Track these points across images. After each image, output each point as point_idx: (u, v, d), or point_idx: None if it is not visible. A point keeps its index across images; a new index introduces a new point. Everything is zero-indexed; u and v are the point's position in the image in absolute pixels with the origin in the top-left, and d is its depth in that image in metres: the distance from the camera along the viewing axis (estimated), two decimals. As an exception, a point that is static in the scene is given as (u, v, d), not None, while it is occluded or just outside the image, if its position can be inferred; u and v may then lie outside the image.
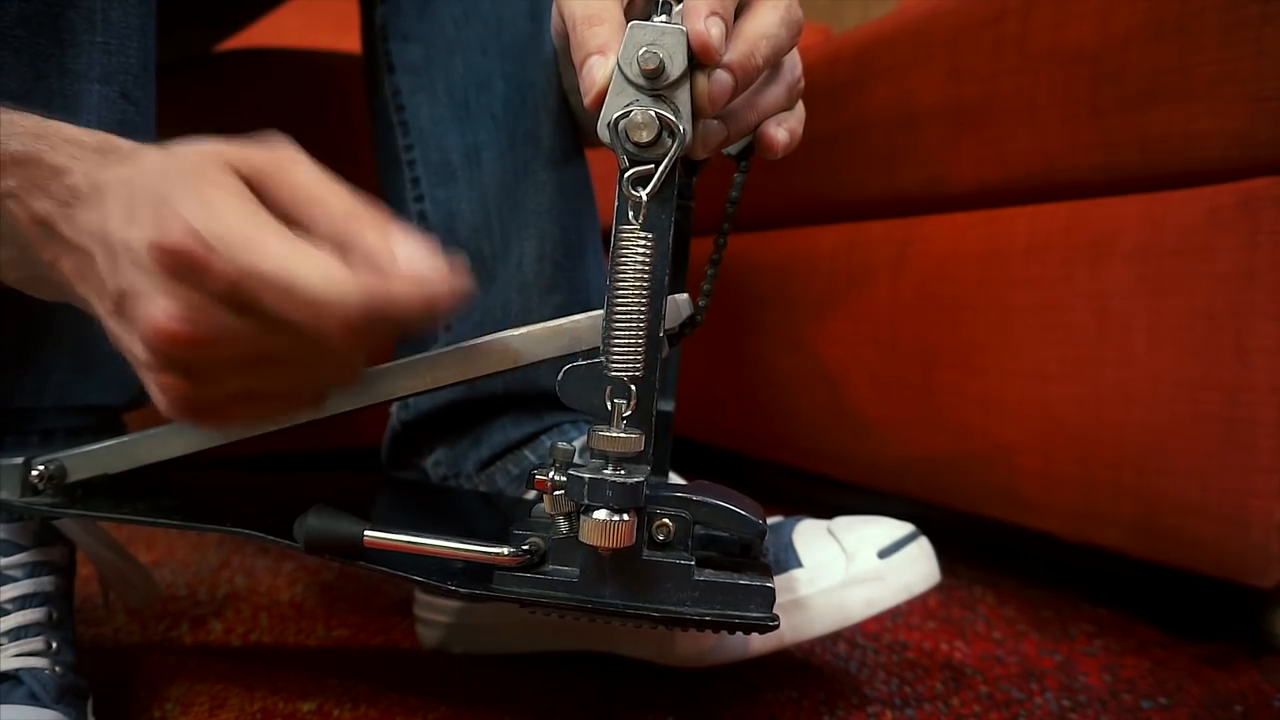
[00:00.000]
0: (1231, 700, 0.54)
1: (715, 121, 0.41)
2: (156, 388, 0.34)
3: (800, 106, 0.46)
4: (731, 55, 0.38)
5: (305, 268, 0.30)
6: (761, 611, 0.38)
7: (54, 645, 0.46)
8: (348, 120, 0.87)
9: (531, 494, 0.55)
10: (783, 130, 0.44)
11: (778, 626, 0.38)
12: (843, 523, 0.58)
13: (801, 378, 0.90)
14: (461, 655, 0.59)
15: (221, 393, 0.34)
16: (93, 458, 0.44)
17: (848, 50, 0.85)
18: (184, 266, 0.31)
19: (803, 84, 0.46)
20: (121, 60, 0.44)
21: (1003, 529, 0.75)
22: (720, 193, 0.48)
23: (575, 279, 0.62)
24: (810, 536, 0.56)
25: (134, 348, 0.33)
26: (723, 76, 0.38)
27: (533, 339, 0.40)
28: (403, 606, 0.68)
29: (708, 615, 0.38)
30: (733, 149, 0.43)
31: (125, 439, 0.44)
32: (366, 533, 0.38)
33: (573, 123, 0.63)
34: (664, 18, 0.37)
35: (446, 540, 0.38)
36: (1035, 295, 0.68)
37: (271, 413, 0.36)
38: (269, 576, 0.76)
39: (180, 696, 0.53)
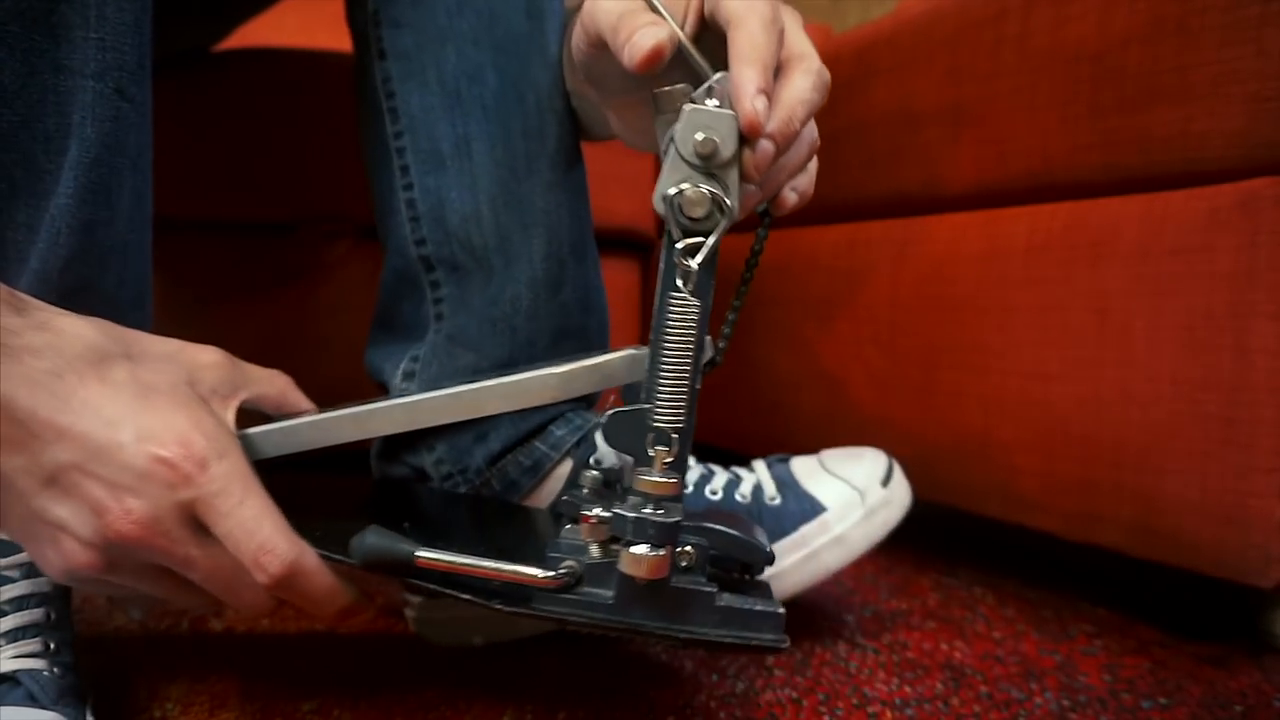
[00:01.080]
0: (1231, 700, 0.54)
1: (753, 185, 0.43)
2: (71, 553, 0.38)
3: (813, 163, 0.47)
4: (773, 125, 0.40)
5: (267, 527, 0.39)
6: (774, 634, 0.41)
7: (52, 646, 0.46)
8: (347, 120, 0.87)
9: (539, 501, 0.59)
10: (794, 193, 0.45)
11: (788, 647, 0.42)
12: (832, 459, 0.66)
13: (801, 378, 0.90)
14: (462, 655, 0.59)
15: (121, 578, 0.39)
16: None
17: (848, 50, 0.85)
18: (176, 481, 0.37)
19: (819, 143, 0.47)
20: (117, 56, 0.44)
21: (1003, 529, 0.75)
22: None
23: (578, 278, 0.64)
24: (817, 478, 0.64)
25: (72, 518, 0.37)
26: (766, 146, 0.40)
27: (573, 376, 0.43)
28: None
29: (727, 638, 0.41)
30: (759, 206, 0.46)
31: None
32: (418, 554, 0.40)
33: (575, 126, 0.64)
34: (715, 102, 0.40)
35: (491, 562, 0.41)
36: (1035, 295, 0.68)
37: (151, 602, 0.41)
38: (269, 576, 0.76)
39: (180, 696, 0.53)
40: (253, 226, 1.01)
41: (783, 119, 0.40)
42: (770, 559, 0.44)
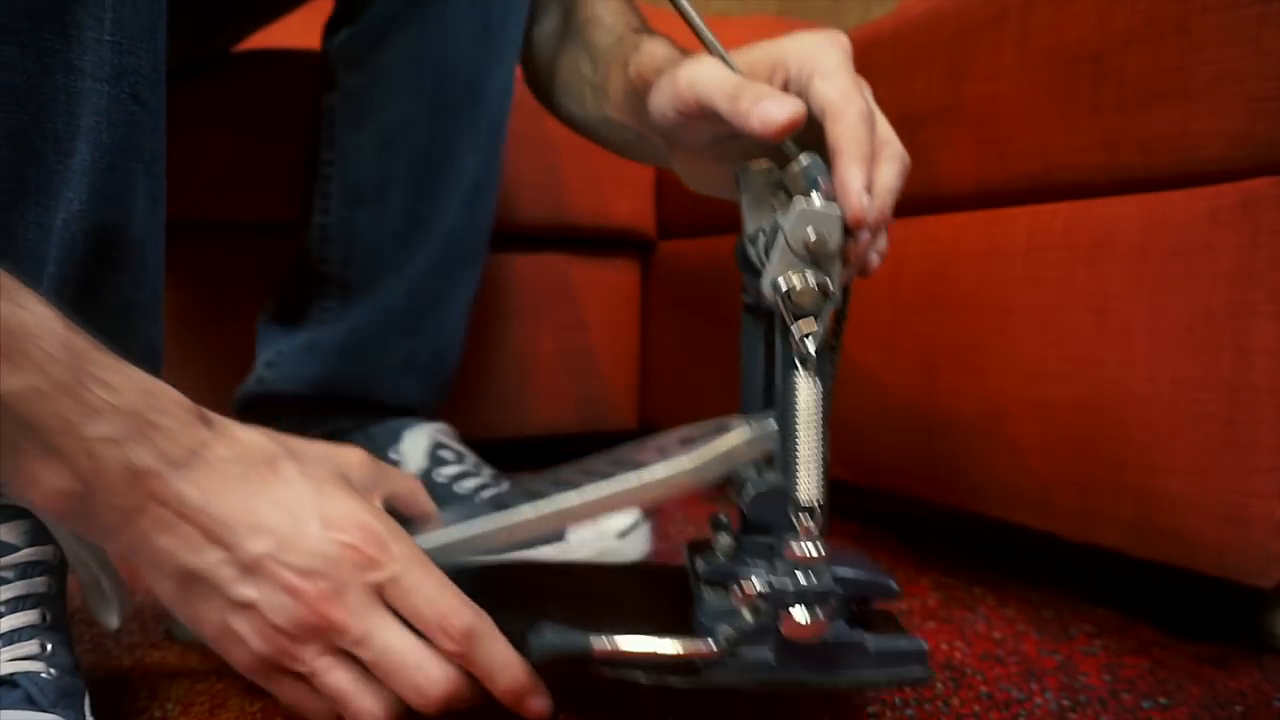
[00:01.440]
0: (1231, 700, 0.54)
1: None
2: (260, 629, 0.41)
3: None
4: (872, 216, 0.43)
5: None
6: (923, 669, 0.45)
7: (49, 647, 0.46)
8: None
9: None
10: (877, 255, 0.47)
11: (933, 679, 0.49)
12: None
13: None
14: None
15: (305, 668, 0.41)
16: None
17: (848, 50, 0.85)
18: (363, 563, 0.41)
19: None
20: (132, 60, 0.44)
21: (1003, 529, 0.75)
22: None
23: (435, 328, 0.76)
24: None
25: (265, 599, 0.40)
26: (865, 235, 0.43)
27: (705, 467, 0.44)
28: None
29: (882, 679, 0.44)
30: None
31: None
32: (595, 645, 0.43)
33: (487, 198, 0.76)
34: (820, 198, 0.42)
35: (665, 642, 0.44)
36: (1035, 295, 0.68)
37: (307, 701, 0.43)
38: (269, 576, 0.76)
39: (180, 696, 0.53)
40: (253, 226, 1.01)
41: (879, 209, 0.43)
42: (897, 593, 0.47)
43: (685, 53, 0.54)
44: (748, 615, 0.44)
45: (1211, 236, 0.57)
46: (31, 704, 0.43)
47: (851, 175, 0.42)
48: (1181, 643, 0.63)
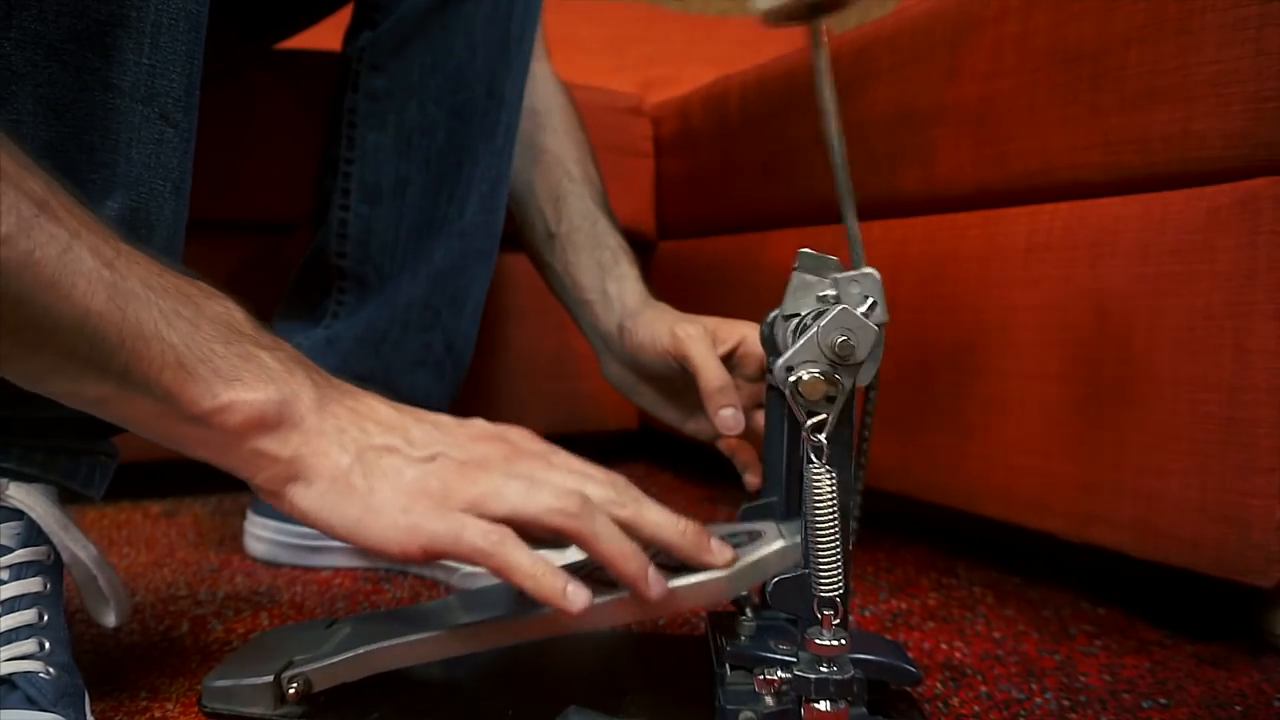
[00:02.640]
0: (1231, 700, 0.54)
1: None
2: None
3: None
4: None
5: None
6: None
7: (47, 646, 0.46)
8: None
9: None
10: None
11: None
12: None
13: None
14: (462, 656, 0.59)
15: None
16: (335, 670, 0.49)
17: (848, 50, 0.85)
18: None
19: None
20: (165, 84, 0.46)
21: (1003, 529, 0.75)
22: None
23: (450, 325, 0.78)
24: None
25: (459, 444, 0.44)
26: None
27: (738, 576, 0.46)
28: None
29: None
30: (862, 379, 0.47)
31: (363, 651, 0.48)
32: None
33: (498, 200, 0.77)
34: (864, 310, 0.43)
35: None
36: (1035, 295, 0.68)
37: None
38: (269, 576, 0.76)
39: (180, 696, 0.53)
40: (253, 226, 1.01)
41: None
42: (919, 679, 0.49)
43: (649, 300, 0.73)
44: (770, 700, 0.45)
45: (1211, 236, 0.57)
46: (32, 704, 0.43)
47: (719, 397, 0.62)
48: (1181, 643, 0.63)
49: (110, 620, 0.51)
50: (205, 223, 0.98)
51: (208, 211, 0.97)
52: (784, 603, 0.45)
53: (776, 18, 0.46)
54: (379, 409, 0.45)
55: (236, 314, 0.42)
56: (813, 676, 0.43)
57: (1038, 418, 0.68)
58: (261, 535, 0.80)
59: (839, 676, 0.43)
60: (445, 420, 0.46)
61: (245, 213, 1.00)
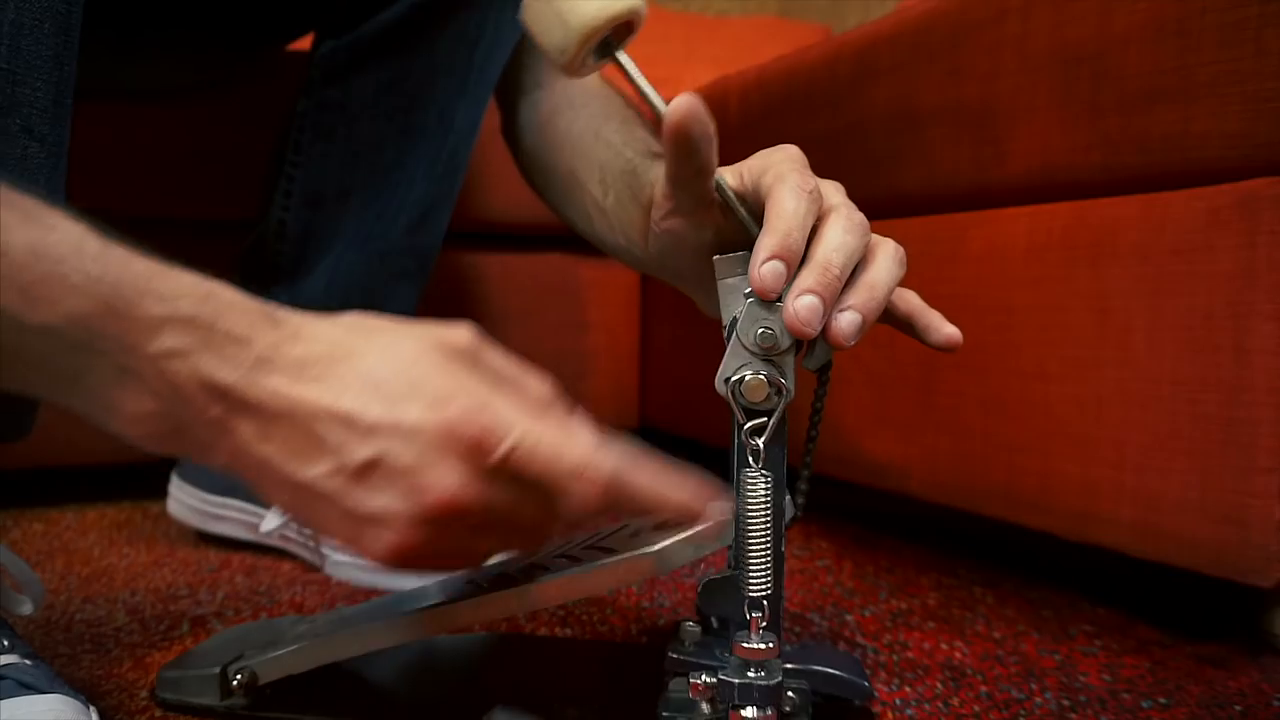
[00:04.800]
0: (1231, 700, 0.54)
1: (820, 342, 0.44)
2: (391, 537, 0.37)
3: (877, 277, 0.45)
4: (809, 279, 0.41)
5: (580, 446, 0.37)
6: None
7: (5, 643, 0.45)
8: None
9: None
10: (845, 314, 0.43)
11: None
12: None
13: (801, 378, 0.90)
14: (462, 656, 0.59)
15: (449, 547, 0.38)
16: (280, 662, 0.48)
17: (848, 50, 0.85)
18: (475, 450, 0.36)
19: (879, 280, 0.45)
20: (28, 93, 0.42)
21: (1003, 529, 0.75)
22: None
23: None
24: None
25: (386, 505, 0.36)
26: (806, 301, 0.41)
27: (672, 552, 0.43)
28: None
29: None
30: (811, 364, 0.46)
31: (307, 644, 0.48)
32: None
33: (438, 221, 0.78)
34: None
35: None
36: (1035, 295, 0.68)
37: (460, 564, 0.40)
38: (269, 576, 0.76)
39: (180, 696, 0.53)
40: (252, 226, 1.01)
41: (818, 272, 0.41)
42: (871, 695, 0.48)
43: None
44: (705, 709, 0.44)
45: (1211, 236, 0.57)
46: (28, 688, 0.43)
47: (759, 245, 0.42)
48: (1181, 643, 0.63)
49: (26, 609, 0.50)
50: (205, 223, 0.98)
51: (208, 212, 0.98)
52: (712, 605, 0.44)
53: (579, 70, 0.46)
54: (297, 395, 0.36)
55: (97, 286, 0.34)
56: (737, 681, 0.42)
57: (1038, 418, 0.68)
58: (178, 497, 0.87)
59: (765, 682, 0.42)
60: (387, 382, 0.37)
61: (245, 213, 1.00)
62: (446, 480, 0.36)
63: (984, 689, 0.55)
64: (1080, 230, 0.65)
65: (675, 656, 0.47)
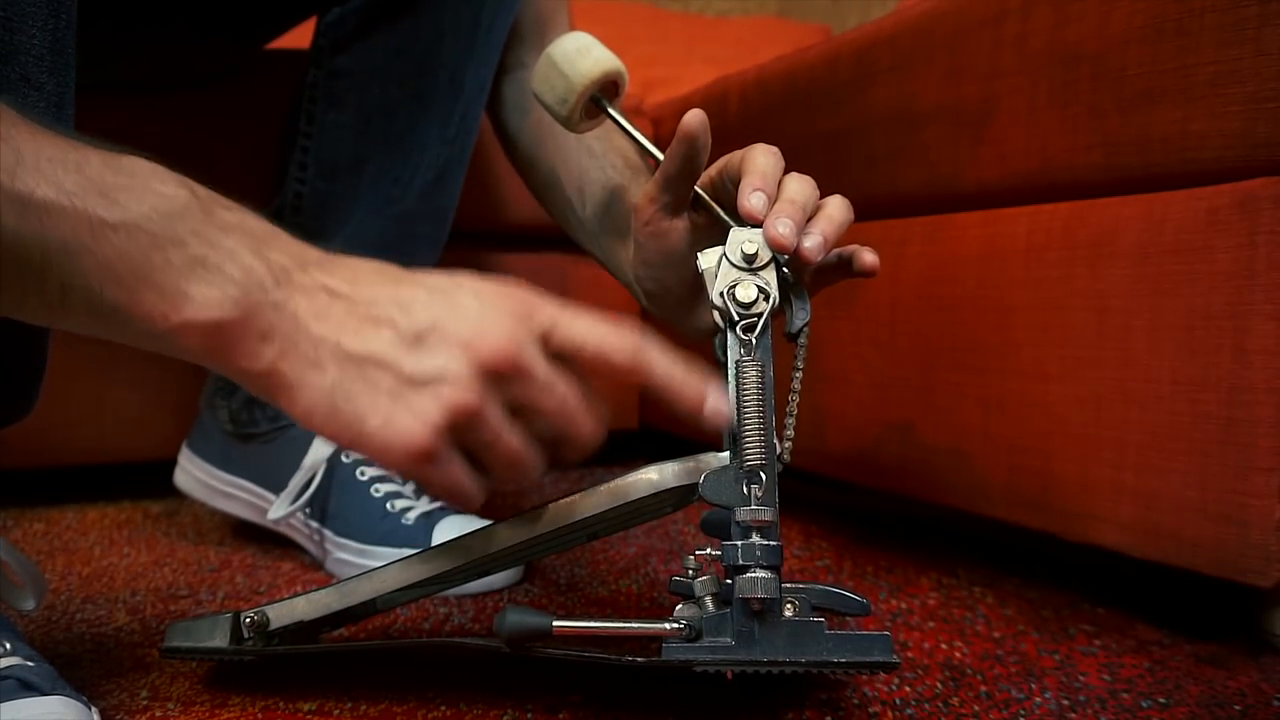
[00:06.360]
0: (1231, 700, 0.54)
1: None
2: (452, 398, 0.39)
3: (834, 211, 0.52)
4: (783, 211, 0.49)
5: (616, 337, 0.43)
6: (884, 655, 0.46)
7: (8, 646, 0.45)
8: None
9: None
10: (811, 237, 0.49)
11: (900, 665, 0.49)
12: None
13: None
14: (462, 656, 0.59)
15: (490, 432, 0.41)
16: (293, 607, 0.52)
17: (848, 50, 0.85)
18: (525, 316, 0.41)
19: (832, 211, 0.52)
20: (24, 40, 0.41)
21: (1003, 529, 0.75)
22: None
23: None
24: None
25: (444, 364, 0.39)
26: (787, 222, 0.48)
27: (671, 471, 0.48)
28: (401, 607, 0.68)
29: (844, 660, 0.45)
30: (791, 328, 0.51)
31: (318, 590, 0.52)
32: (555, 623, 0.46)
33: (452, 184, 0.79)
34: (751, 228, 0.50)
35: (621, 622, 0.48)
36: (1035, 295, 0.68)
37: (497, 460, 0.42)
38: (269, 576, 0.76)
39: (180, 696, 0.53)
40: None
41: (787, 204, 0.49)
42: (868, 610, 0.50)
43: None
44: (711, 606, 0.47)
45: (1210, 236, 0.57)
46: (31, 689, 0.43)
47: (744, 183, 0.49)
48: (1181, 642, 0.63)
49: (29, 605, 0.50)
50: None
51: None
52: (716, 495, 0.46)
53: (578, 124, 0.57)
54: (357, 281, 0.40)
55: (176, 195, 0.37)
56: (740, 543, 0.45)
57: (1037, 417, 0.68)
58: (188, 469, 0.85)
59: (768, 543, 0.44)
60: (438, 283, 0.41)
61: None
62: (502, 333, 0.39)
63: (984, 689, 0.55)
64: (1080, 230, 0.65)
65: (678, 579, 0.50)
